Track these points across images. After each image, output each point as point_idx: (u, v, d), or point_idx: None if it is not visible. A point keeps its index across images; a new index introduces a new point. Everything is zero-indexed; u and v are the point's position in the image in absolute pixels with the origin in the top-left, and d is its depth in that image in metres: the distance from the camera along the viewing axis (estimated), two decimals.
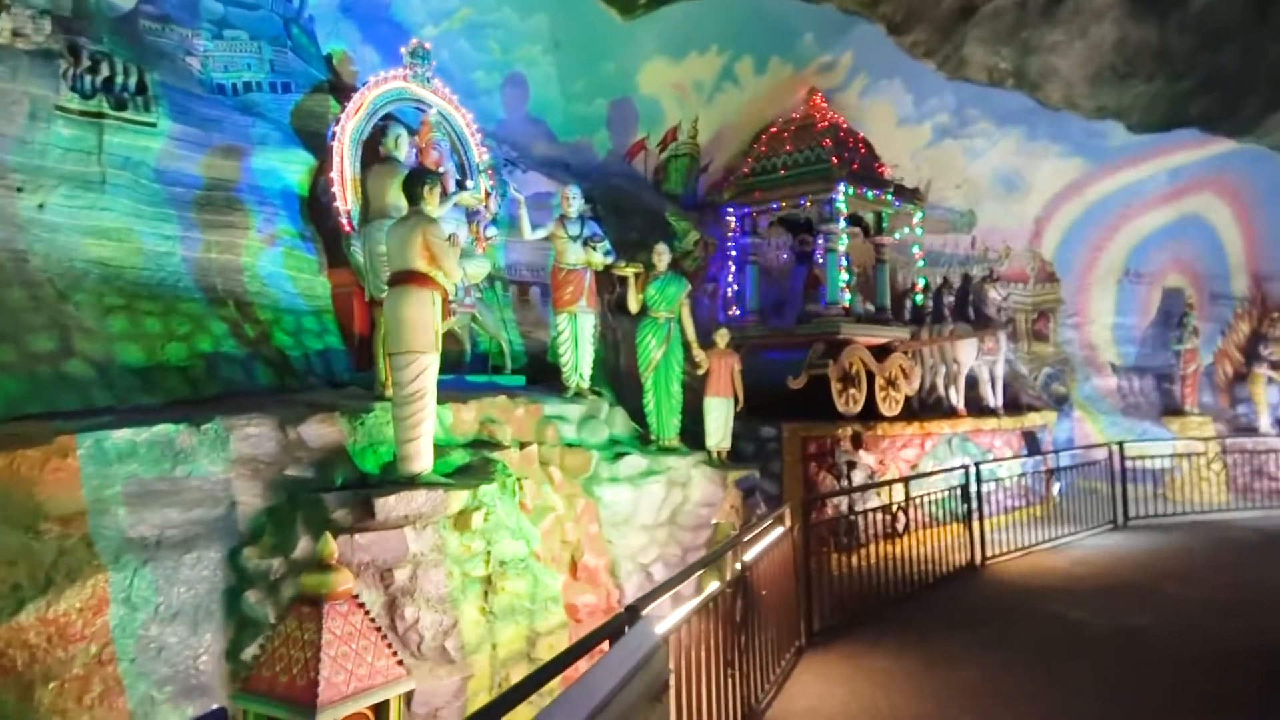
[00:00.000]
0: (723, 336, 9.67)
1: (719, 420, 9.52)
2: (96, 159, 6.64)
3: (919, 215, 13.39)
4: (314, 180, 8.11)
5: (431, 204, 6.34)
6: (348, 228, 7.86)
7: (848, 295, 12.18)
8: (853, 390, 11.98)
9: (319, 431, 6.24)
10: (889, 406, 12.52)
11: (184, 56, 7.49)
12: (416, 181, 6.30)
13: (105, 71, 6.68)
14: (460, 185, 8.74)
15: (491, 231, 8.82)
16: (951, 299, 14.12)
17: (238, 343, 7.13)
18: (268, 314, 7.50)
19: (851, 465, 11.43)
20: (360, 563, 5.69)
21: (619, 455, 8.59)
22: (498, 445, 7.39)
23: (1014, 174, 15.61)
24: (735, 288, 12.95)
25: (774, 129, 13.16)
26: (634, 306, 9.42)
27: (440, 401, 7.11)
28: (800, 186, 12.32)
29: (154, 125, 6.92)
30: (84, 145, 6.60)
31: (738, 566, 5.79)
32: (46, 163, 6.43)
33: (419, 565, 5.83)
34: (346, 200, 7.84)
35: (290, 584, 5.68)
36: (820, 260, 12.61)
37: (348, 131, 7.90)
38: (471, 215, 8.77)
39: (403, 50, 8.50)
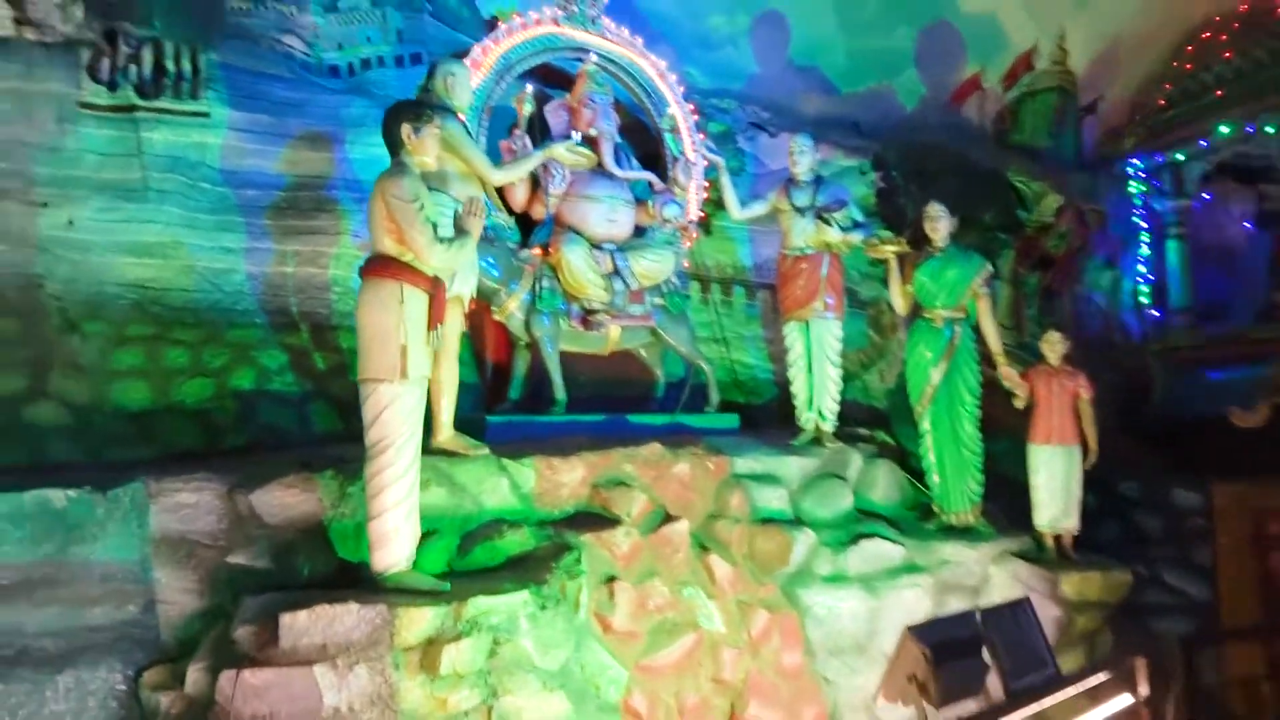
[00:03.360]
0: (1053, 344, 5.91)
1: (1054, 483, 5.78)
2: (138, 162, 5.53)
3: None
4: None
5: (420, 153, 4.12)
6: None
7: None
8: None
9: (283, 501, 4.26)
10: None
11: (279, 36, 6.21)
12: (393, 119, 4.13)
13: (148, 59, 5.57)
14: (626, 154, 6.36)
15: (671, 212, 6.26)
16: None
17: (297, 377, 5.54)
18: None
19: None
20: (254, 716, 3.58)
21: (857, 538, 5.44)
22: (612, 521, 4.83)
23: None
24: (1148, 276, 8.67)
25: (1205, 34, 8.68)
26: (899, 303, 6.18)
27: (514, 455, 4.80)
28: (1246, 107, 7.81)
29: (205, 115, 5.67)
30: (124, 147, 5.54)
31: None
32: (80, 171, 5.44)
33: None
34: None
35: None
36: None
37: None
38: (655, 193, 6.33)
39: None
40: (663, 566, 4.83)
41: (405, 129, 4.08)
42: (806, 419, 6.13)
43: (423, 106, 4.17)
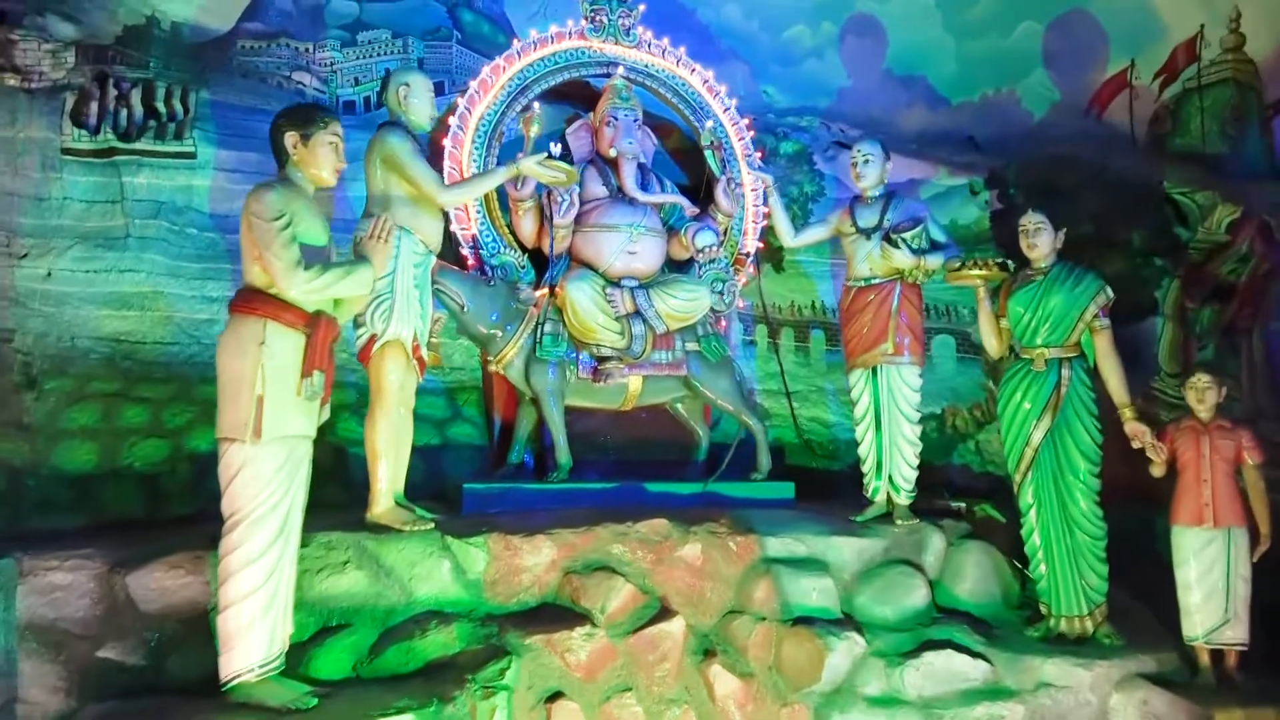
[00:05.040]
0: (1201, 391, 4.34)
1: (1209, 580, 4.21)
2: (120, 209, 5.20)
3: None
4: None
5: (309, 165, 3.42)
6: (472, 262, 5.22)
7: None
8: None
9: (162, 585, 3.58)
10: None
11: (288, 74, 5.80)
12: (275, 126, 3.44)
13: (138, 101, 5.26)
14: (657, 177, 5.48)
15: (705, 240, 5.27)
16: None
17: None
18: (349, 395, 5.18)
19: None
20: None
21: (923, 647, 4.14)
22: (583, 617, 3.84)
23: None
24: None
25: None
26: (990, 343, 4.87)
27: (463, 532, 3.93)
28: None
29: (191, 156, 5.28)
30: (108, 194, 5.22)
31: None
32: (63, 220, 5.14)
33: None
34: (470, 222, 5.22)
35: None
36: None
37: (471, 125, 5.33)
38: (689, 219, 5.39)
39: None
40: (642, 678, 3.78)
41: (291, 137, 3.38)
42: (876, 489, 4.91)
43: (316, 111, 3.47)
